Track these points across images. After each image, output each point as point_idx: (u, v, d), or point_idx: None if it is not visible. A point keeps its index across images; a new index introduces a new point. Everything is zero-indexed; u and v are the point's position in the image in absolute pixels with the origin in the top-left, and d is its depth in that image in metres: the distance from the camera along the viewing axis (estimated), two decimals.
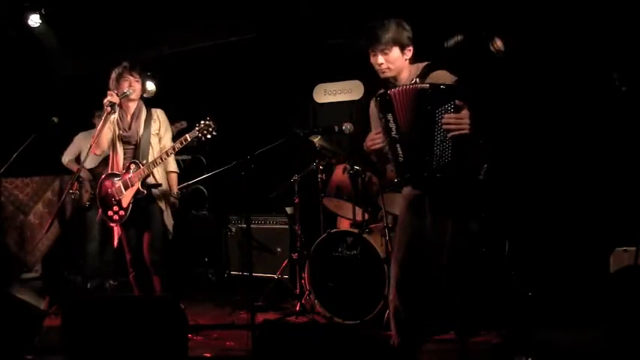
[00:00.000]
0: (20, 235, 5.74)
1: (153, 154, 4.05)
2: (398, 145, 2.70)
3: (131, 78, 4.02)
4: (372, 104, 2.97)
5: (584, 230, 4.56)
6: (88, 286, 5.33)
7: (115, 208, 4.01)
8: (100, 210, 4.11)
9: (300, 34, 5.76)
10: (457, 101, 2.60)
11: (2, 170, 4.36)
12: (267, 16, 5.70)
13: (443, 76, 2.79)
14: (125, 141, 4.08)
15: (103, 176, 4.13)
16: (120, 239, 4.11)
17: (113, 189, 4.02)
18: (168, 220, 4.11)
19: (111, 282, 5.59)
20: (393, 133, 2.71)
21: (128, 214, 3.97)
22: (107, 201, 4.04)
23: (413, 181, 2.77)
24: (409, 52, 2.87)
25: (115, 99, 3.90)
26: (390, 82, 2.90)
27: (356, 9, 5.20)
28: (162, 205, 4.07)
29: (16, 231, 5.74)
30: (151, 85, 4.02)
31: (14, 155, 4.36)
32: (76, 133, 5.66)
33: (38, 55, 6.17)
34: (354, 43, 2.99)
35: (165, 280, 4.05)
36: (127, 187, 3.98)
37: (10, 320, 3.48)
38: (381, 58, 2.85)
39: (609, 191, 4.52)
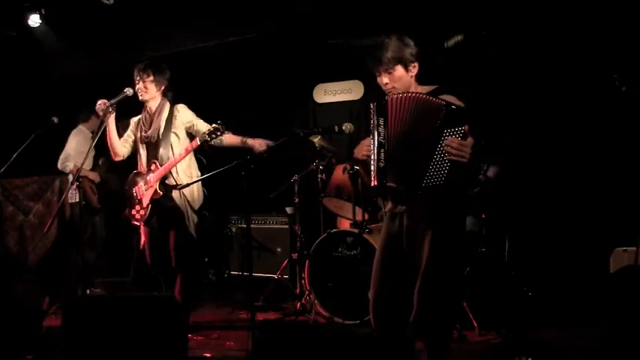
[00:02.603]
0: (20, 235, 5.74)
1: (173, 153, 4.05)
2: (382, 150, 2.66)
3: (139, 79, 4.06)
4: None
5: (584, 230, 4.56)
6: (88, 292, 5.32)
7: (137, 207, 4.08)
8: (127, 208, 4.19)
9: (300, 34, 5.76)
10: (466, 127, 2.51)
11: (2, 170, 4.36)
12: (267, 16, 5.70)
13: (450, 99, 2.68)
14: (146, 141, 4.11)
15: (131, 174, 4.22)
16: (145, 239, 4.16)
17: (137, 188, 4.10)
18: (192, 220, 4.09)
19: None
20: (380, 138, 2.67)
21: (148, 213, 4.03)
22: (132, 199, 4.13)
23: (388, 188, 2.70)
24: (414, 69, 2.81)
25: (103, 106, 3.94)
26: None
27: (356, 9, 5.20)
28: (182, 205, 4.05)
29: (16, 231, 5.73)
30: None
31: (14, 155, 4.36)
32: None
33: (38, 55, 6.17)
34: (364, 58, 2.90)
35: (186, 279, 4.08)
36: (147, 187, 4.05)
37: (10, 320, 3.48)
38: (385, 78, 2.80)
39: (609, 191, 4.52)
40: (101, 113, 3.92)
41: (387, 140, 2.67)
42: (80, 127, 5.75)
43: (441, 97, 2.66)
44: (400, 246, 2.76)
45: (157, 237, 4.11)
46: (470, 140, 2.50)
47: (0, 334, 3.44)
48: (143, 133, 4.12)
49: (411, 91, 2.76)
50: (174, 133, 4.07)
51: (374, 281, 2.83)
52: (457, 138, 2.50)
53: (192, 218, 4.11)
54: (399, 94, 2.71)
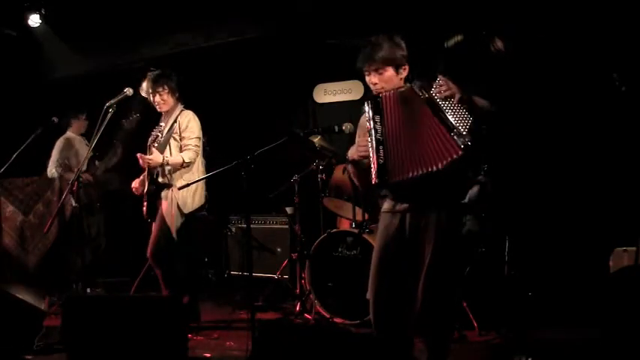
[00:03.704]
0: (20, 235, 5.74)
1: (171, 154, 4.14)
2: (381, 148, 2.66)
3: (154, 93, 4.14)
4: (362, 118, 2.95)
5: (584, 230, 4.56)
6: (88, 291, 5.32)
7: (144, 202, 4.19)
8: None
9: (300, 34, 5.76)
10: (440, 77, 2.61)
11: (2, 170, 4.36)
12: (267, 16, 5.70)
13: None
14: (153, 141, 4.24)
15: None
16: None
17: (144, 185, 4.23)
18: (176, 221, 4.12)
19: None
20: (378, 135, 2.66)
21: (146, 208, 4.16)
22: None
23: (390, 185, 2.71)
24: (404, 72, 2.80)
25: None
26: None
27: (356, 9, 5.20)
28: (169, 206, 4.10)
29: (16, 231, 5.73)
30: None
31: (14, 155, 4.36)
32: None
33: (38, 55, 6.17)
34: (353, 49, 2.92)
35: (166, 276, 4.15)
36: (144, 184, 4.17)
37: (10, 320, 3.48)
38: (375, 78, 2.79)
39: (609, 191, 4.52)
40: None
41: (385, 137, 2.67)
42: (67, 133, 5.74)
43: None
44: (400, 245, 2.75)
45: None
46: (449, 80, 2.59)
47: (0, 334, 3.44)
48: (156, 136, 4.25)
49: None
50: (173, 137, 4.15)
51: (373, 282, 2.82)
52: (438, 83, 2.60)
53: (175, 221, 4.11)
54: (393, 90, 2.71)
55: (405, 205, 2.75)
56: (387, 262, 2.79)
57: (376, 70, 2.78)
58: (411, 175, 2.62)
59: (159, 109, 4.23)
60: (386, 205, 2.87)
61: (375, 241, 2.92)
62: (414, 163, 2.62)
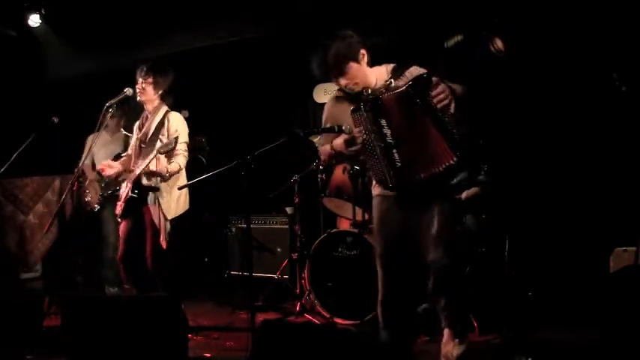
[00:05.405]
0: (20, 235, 5.74)
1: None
2: (394, 151, 2.66)
3: (140, 80, 4.07)
4: (333, 102, 2.94)
5: (584, 230, 4.56)
6: (106, 291, 5.27)
7: (119, 202, 4.11)
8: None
9: (300, 34, 5.76)
10: (434, 79, 2.62)
11: (2, 170, 4.36)
12: (267, 16, 5.70)
13: (416, 71, 2.76)
14: (139, 142, 4.14)
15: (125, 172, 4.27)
16: (121, 235, 4.16)
17: (123, 184, 4.14)
18: (163, 229, 4.05)
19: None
20: (388, 139, 2.66)
21: (122, 209, 4.07)
22: (119, 195, 4.18)
23: (409, 187, 2.73)
24: (364, 57, 2.78)
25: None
26: (364, 93, 2.82)
27: (356, 9, 5.20)
28: (155, 211, 4.04)
29: (16, 231, 5.73)
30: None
31: (14, 155, 4.36)
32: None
33: (38, 55, 6.17)
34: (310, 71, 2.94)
35: (163, 281, 4.06)
36: (126, 185, 4.07)
37: (10, 320, 3.49)
38: (343, 80, 2.77)
39: (609, 191, 4.52)
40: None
41: (396, 140, 2.66)
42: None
43: (407, 71, 2.74)
44: (404, 235, 2.77)
45: (132, 235, 4.09)
46: (444, 85, 2.60)
47: (0, 334, 3.44)
48: (138, 135, 4.16)
49: (369, 79, 2.79)
50: (160, 139, 4.06)
51: (383, 271, 2.82)
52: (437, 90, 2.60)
53: (165, 227, 4.04)
54: (392, 93, 2.70)
55: (409, 199, 2.77)
56: (393, 251, 2.83)
57: (339, 72, 2.75)
58: (422, 176, 2.65)
59: (138, 97, 4.12)
60: (378, 189, 2.87)
61: (376, 230, 2.92)
62: (423, 165, 2.66)
